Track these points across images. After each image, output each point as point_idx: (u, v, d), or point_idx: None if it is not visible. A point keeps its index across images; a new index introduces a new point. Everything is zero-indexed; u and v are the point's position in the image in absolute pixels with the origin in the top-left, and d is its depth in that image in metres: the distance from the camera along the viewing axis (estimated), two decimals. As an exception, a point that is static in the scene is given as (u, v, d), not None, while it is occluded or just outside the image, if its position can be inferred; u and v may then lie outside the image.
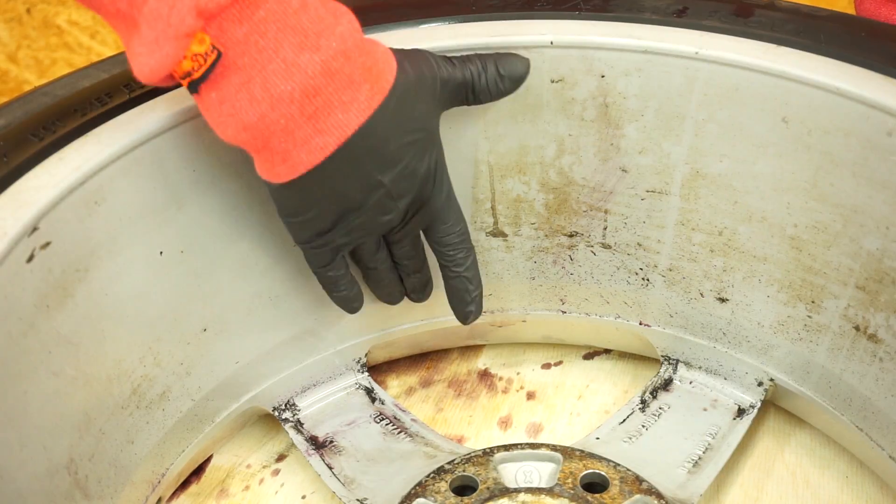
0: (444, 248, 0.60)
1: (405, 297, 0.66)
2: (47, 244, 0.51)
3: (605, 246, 0.68)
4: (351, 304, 0.63)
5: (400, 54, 0.53)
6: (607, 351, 0.76)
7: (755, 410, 0.66)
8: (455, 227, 0.60)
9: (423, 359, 0.76)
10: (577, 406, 0.72)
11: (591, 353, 0.76)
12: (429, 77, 0.54)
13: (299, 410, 0.69)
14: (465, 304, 0.63)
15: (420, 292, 0.65)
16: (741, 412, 0.67)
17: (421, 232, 0.60)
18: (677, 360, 0.70)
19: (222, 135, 0.49)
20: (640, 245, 0.67)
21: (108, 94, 0.57)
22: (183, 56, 0.44)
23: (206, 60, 0.45)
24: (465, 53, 0.58)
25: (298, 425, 0.68)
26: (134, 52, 0.45)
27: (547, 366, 0.75)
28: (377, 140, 0.51)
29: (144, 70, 0.45)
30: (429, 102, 0.54)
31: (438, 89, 0.55)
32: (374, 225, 0.56)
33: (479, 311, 0.63)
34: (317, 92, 0.47)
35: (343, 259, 0.59)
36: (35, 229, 0.50)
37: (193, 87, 0.47)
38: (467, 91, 0.57)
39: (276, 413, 0.68)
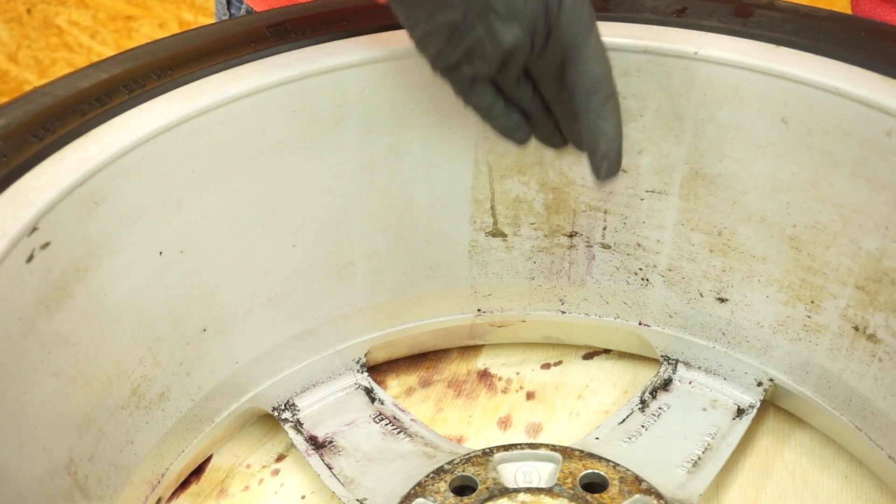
0: (577, 90, 0.54)
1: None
2: (47, 244, 0.51)
3: (605, 246, 0.68)
4: (512, 134, 0.58)
5: None
6: (607, 351, 0.76)
7: (755, 410, 0.66)
8: (587, 64, 0.53)
9: (422, 359, 0.76)
10: (577, 406, 0.72)
11: (591, 353, 0.76)
12: None
13: (299, 410, 0.69)
14: (596, 157, 0.55)
15: (581, 144, 0.58)
16: (741, 412, 0.67)
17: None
18: (677, 360, 0.70)
19: None
20: (639, 245, 0.67)
21: (108, 94, 0.57)
22: None
23: None
24: None
25: (298, 425, 0.68)
26: None
27: (546, 366, 0.75)
28: None
29: None
30: None
31: None
32: (493, 48, 0.51)
33: (613, 168, 0.55)
34: None
35: (486, 87, 0.55)
36: (35, 229, 0.50)
37: None
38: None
39: (276, 413, 0.68)
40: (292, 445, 0.67)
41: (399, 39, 0.59)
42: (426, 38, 0.53)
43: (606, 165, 0.55)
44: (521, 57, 0.53)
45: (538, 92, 0.56)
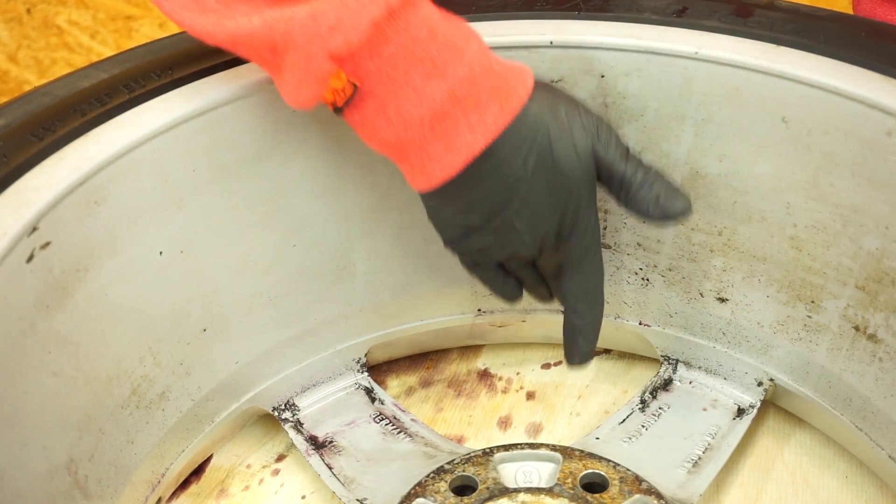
0: (567, 295, 0.59)
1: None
2: (47, 244, 0.51)
3: (605, 246, 0.68)
4: (507, 299, 0.63)
5: (563, 107, 0.53)
6: (607, 351, 0.76)
7: (755, 410, 0.66)
8: (585, 281, 0.58)
9: (422, 359, 0.76)
10: (577, 406, 0.72)
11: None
12: (580, 128, 0.53)
13: (299, 410, 0.69)
14: (571, 351, 0.61)
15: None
16: (741, 412, 0.67)
17: None
18: (677, 360, 0.70)
19: (371, 146, 0.53)
20: (639, 245, 0.67)
21: (108, 94, 0.57)
22: (324, 91, 0.50)
23: (345, 93, 0.50)
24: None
25: (298, 425, 0.68)
26: (282, 88, 0.51)
27: (547, 366, 0.75)
28: (501, 162, 0.52)
29: (293, 104, 0.51)
30: (573, 151, 0.53)
31: (590, 148, 0.54)
32: (500, 250, 0.57)
33: (584, 360, 0.61)
34: (445, 115, 0.50)
35: (490, 266, 0.60)
36: (35, 229, 0.50)
37: (338, 112, 0.51)
38: (619, 186, 0.55)
39: (276, 413, 0.68)
40: (292, 445, 0.67)
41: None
42: (444, 229, 0.57)
43: (580, 356, 0.61)
44: (527, 259, 0.58)
45: (536, 268, 0.60)
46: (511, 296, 0.63)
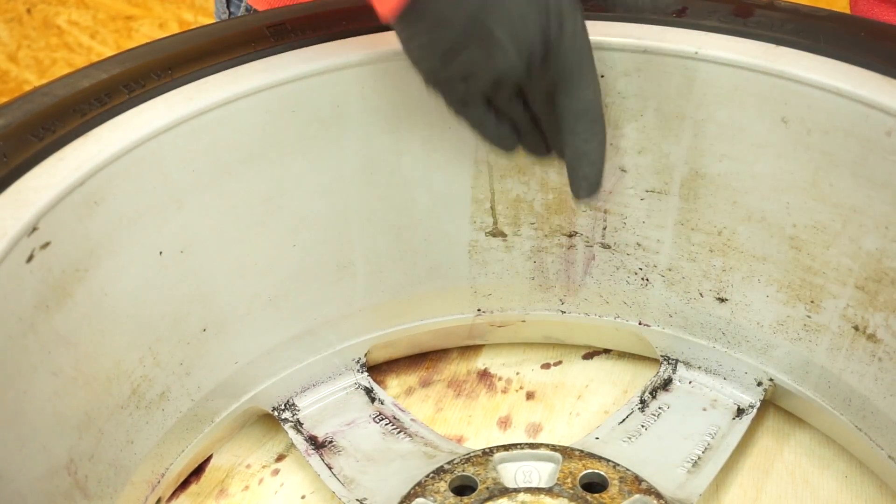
0: (566, 114, 0.55)
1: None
2: (47, 244, 0.51)
3: (605, 246, 0.68)
4: (500, 143, 0.59)
5: None
6: (607, 351, 0.76)
7: (754, 410, 0.66)
8: (582, 94, 0.54)
9: (422, 359, 0.76)
10: (577, 406, 0.72)
11: (591, 353, 0.76)
12: None
13: (299, 410, 0.69)
14: (577, 182, 0.57)
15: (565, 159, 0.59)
16: (740, 412, 0.67)
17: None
18: (677, 360, 0.70)
19: None
20: (639, 245, 0.67)
21: (108, 94, 0.57)
22: None
23: None
24: None
25: (298, 425, 0.68)
26: None
27: (546, 366, 0.75)
28: None
29: None
30: None
31: None
32: (488, 69, 0.52)
33: (593, 189, 0.57)
34: None
35: (478, 102, 0.56)
36: (35, 229, 0.50)
37: None
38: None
39: (276, 413, 0.68)
40: (292, 445, 0.67)
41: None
42: (422, 55, 0.53)
43: (586, 186, 0.57)
44: (515, 79, 0.53)
45: (528, 106, 0.57)
46: (506, 141, 0.59)
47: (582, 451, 0.62)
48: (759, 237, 0.63)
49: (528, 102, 0.57)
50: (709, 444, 0.65)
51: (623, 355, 0.75)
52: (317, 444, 0.66)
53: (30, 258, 0.50)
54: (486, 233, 0.69)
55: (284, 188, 0.62)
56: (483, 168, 0.66)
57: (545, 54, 0.52)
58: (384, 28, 0.62)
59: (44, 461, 0.51)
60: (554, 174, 0.66)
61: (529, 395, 0.72)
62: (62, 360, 0.53)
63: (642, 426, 0.66)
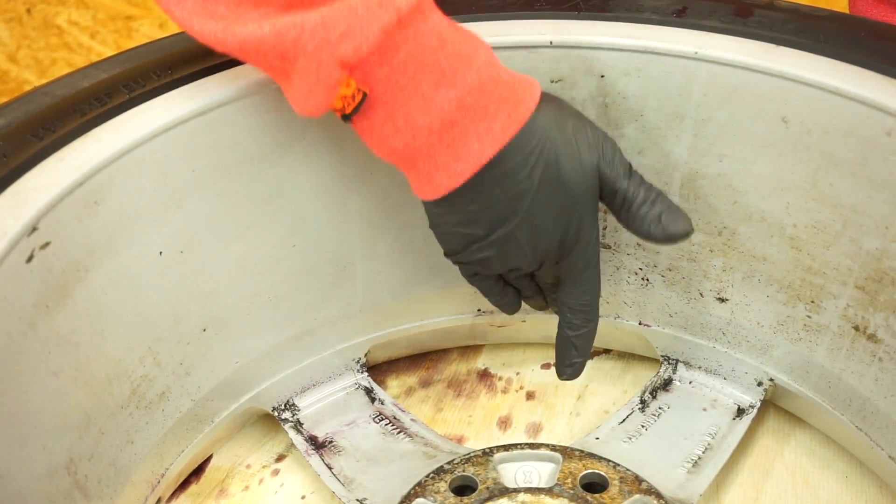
0: (563, 308, 0.60)
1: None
2: (47, 244, 0.51)
3: (605, 246, 0.68)
4: (506, 309, 0.64)
5: (566, 119, 0.54)
6: (607, 351, 0.76)
7: (755, 410, 0.66)
8: (583, 296, 0.59)
9: (422, 359, 0.76)
10: (577, 406, 0.72)
11: (591, 353, 0.76)
12: (586, 144, 0.54)
13: (299, 410, 0.69)
14: (563, 364, 0.62)
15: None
16: (741, 412, 0.67)
17: None
18: (677, 360, 0.70)
19: (377, 154, 0.53)
20: (639, 245, 0.67)
21: (108, 94, 0.57)
22: (333, 98, 0.49)
23: (354, 100, 0.49)
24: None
25: (298, 425, 0.68)
26: (291, 96, 0.50)
27: (547, 366, 0.75)
28: (507, 172, 0.52)
29: (301, 111, 0.51)
30: (579, 166, 0.53)
31: (595, 164, 0.54)
32: (501, 262, 0.57)
33: (573, 375, 0.62)
34: (453, 124, 0.50)
35: (491, 278, 0.61)
36: (35, 229, 0.50)
37: (346, 119, 0.51)
38: (621, 203, 0.56)
39: (276, 413, 0.68)
40: (292, 445, 0.67)
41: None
42: (446, 239, 0.58)
43: (570, 372, 0.62)
44: (527, 272, 0.59)
45: (533, 279, 0.62)
46: (510, 306, 0.64)
47: (582, 451, 0.62)
48: (759, 237, 0.63)
49: (535, 279, 0.62)
50: (709, 444, 0.65)
51: (623, 355, 0.75)
52: (317, 445, 0.66)
53: (30, 258, 0.50)
54: (486, 233, 0.69)
55: (284, 188, 0.62)
56: (483, 168, 0.66)
57: (558, 258, 0.57)
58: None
59: (44, 461, 0.51)
60: (554, 174, 0.66)
61: (529, 395, 0.72)
62: (62, 360, 0.53)
63: (642, 426, 0.66)
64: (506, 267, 0.58)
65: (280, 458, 0.69)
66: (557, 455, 0.62)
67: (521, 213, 0.54)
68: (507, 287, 0.62)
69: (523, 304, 0.64)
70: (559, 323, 0.61)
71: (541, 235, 0.55)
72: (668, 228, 0.55)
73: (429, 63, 0.49)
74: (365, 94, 0.49)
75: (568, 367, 0.62)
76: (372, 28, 0.47)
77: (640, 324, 0.70)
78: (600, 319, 0.71)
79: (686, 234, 0.55)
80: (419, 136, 0.50)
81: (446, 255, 0.59)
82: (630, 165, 0.55)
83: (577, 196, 0.54)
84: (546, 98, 0.53)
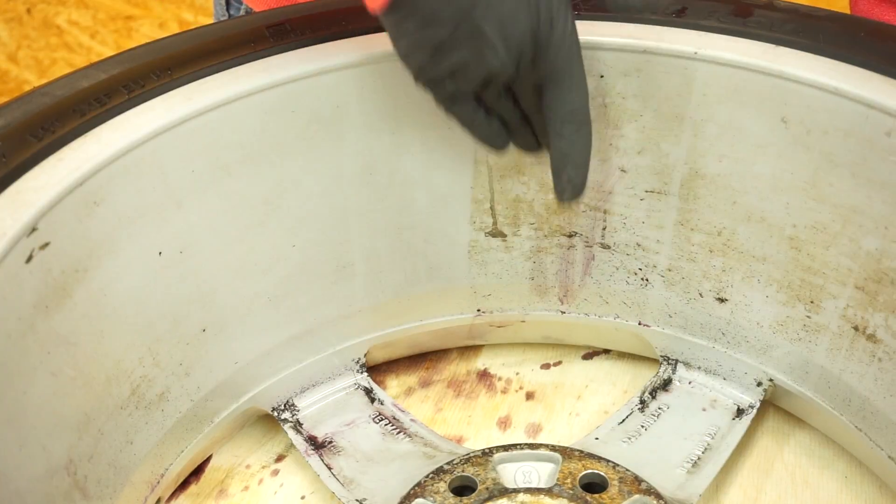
0: (552, 116, 0.55)
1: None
2: (46, 244, 0.51)
3: (605, 246, 0.68)
4: (491, 141, 0.59)
5: None
6: (606, 351, 0.76)
7: (754, 410, 0.66)
8: (569, 96, 0.54)
9: (422, 359, 0.76)
10: (577, 406, 0.72)
11: (591, 354, 0.76)
12: None
13: (298, 411, 0.69)
14: (561, 183, 0.57)
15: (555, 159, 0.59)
16: (740, 412, 0.67)
17: None
18: (676, 361, 0.70)
19: None
20: (639, 245, 0.67)
21: (108, 94, 0.57)
22: None
23: None
24: None
25: (297, 425, 0.68)
26: None
27: (546, 366, 0.75)
28: None
29: None
30: None
31: None
32: (478, 67, 0.52)
33: (576, 192, 0.57)
34: None
35: (468, 99, 0.56)
36: (34, 229, 0.50)
37: None
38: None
39: (276, 413, 0.68)
40: (292, 445, 0.67)
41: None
42: (411, 52, 0.53)
43: (570, 189, 0.57)
44: (505, 78, 0.53)
45: (518, 104, 0.57)
46: (497, 139, 0.59)
47: (582, 452, 0.62)
48: (758, 237, 0.63)
49: (518, 99, 0.57)
50: (709, 445, 0.65)
51: (623, 355, 0.75)
52: (316, 445, 0.66)
53: (29, 258, 0.50)
54: (485, 233, 0.69)
55: (284, 188, 0.62)
56: (483, 168, 0.66)
57: (535, 53, 0.52)
58: (383, 28, 0.62)
59: (43, 461, 0.51)
60: (554, 174, 0.66)
61: (529, 396, 0.72)
62: (62, 360, 0.53)
63: (642, 426, 0.66)
64: (480, 74, 0.53)
65: (280, 459, 0.69)
66: (557, 455, 0.62)
67: (483, 1, 0.49)
68: (491, 115, 0.57)
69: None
70: (550, 138, 0.56)
71: (509, 23, 0.51)
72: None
73: None
74: None
75: (567, 182, 0.57)
76: None
77: (639, 324, 0.70)
78: (599, 320, 0.71)
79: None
80: None
81: (416, 78, 0.55)
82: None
83: None
84: None
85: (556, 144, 0.56)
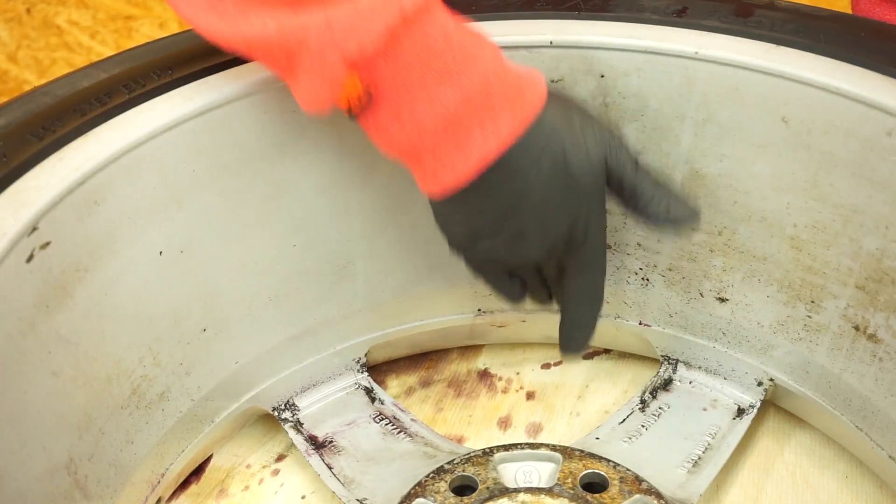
0: (570, 291, 0.60)
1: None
2: (47, 244, 0.51)
3: (605, 246, 0.68)
4: (510, 300, 0.63)
5: (579, 122, 0.54)
6: (607, 351, 0.76)
7: (755, 410, 0.66)
8: (588, 284, 0.59)
9: (422, 359, 0.76)
10: (577, 406, 0.72)
11: (591, 353, 0.76)
12: (593, 139, 0.54)
13: (299, 410, 0.69)
14: (567, 340, 0.62)
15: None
16: (741, 412, 0.67)
17: None
18: (677, 360, 0.70)
19: (383, 151, 0.53)
20: (639, 245, 0.67)
21: (108, 94, 0.57)
22: (339, 96, 0.50)
23: (360, 99, 0.50)
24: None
25: (298, 425, 0.68)
26: (298, 94, 0.51)
27: (547, 366, 0.75)
28: (514, 170, 0.52)
29: (307, 109, 0.51)
30: (586, 161, 0.54)
31: (603, 158, 0.55)
32: (508, 257, 0.57)
33: (578, 350, 0.63)
34: (458, 123, 0.50)
35: (498, 271, 0.61)
36: (35, 229, 0.50)
37: (353, 117, 0.52)
38: (630, 196, 0.56)
39: (276, 413, 0.68)
40: (292, 445, 0.67)
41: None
42: (454, 231, 0.57)
43: (574, 347, 0.62)
44: (534, 265, 0.59)
45: (540, 272, 0.61)
46: (515, 298, 0.63)
47: (582, 451, 0.62)
48: (759, 237, 0.63)
49: (541, 270, 0.61)
50: (709, 444, 0.65)
51: (623, 355, 0.75)
52: (317, 444, 0.66)
53: (30, 258, 0.50)
54: (486, 233, 0.69)
55: (284, 188, 0.62)
56: (483, 168, 0.66)
57: (566, 252, 0.57)
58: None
59: (44, 461, 0.51)
60: (554, 174, 0.66)
61: (529, 395, 0.72)
62: (62, 360, 0.53)
63: (642, 426, 0.66)
64: (513, 261, 0.58)
65: (280, 458, 0.69)
66: (557, 455, 0.62)
67: (528, 209, 0.54)
68: (513, 278, 0.62)
69: (527, 298, 0.64)
70: (565, 306, 0.61)
71: (549, 229, 0.55)
72: (676, 217, 0.56)
73: (435, 62, 0.49)
74: (371, 93, 0.50)
75: (573, 342, 0.62)
76: (377, 27, 0.47)
77: (640, 324, 0.70)
78: (601, 319, 0.71)
79: (693, 220, 0.56)
80: (424, 133, 0.50)
81: (451, 249, 0.59)
82: (637, 158, 0.56)
83: (585, 190, 0.54)
84: (552, 94, 0.53)
85: (568, 314, 0.61)
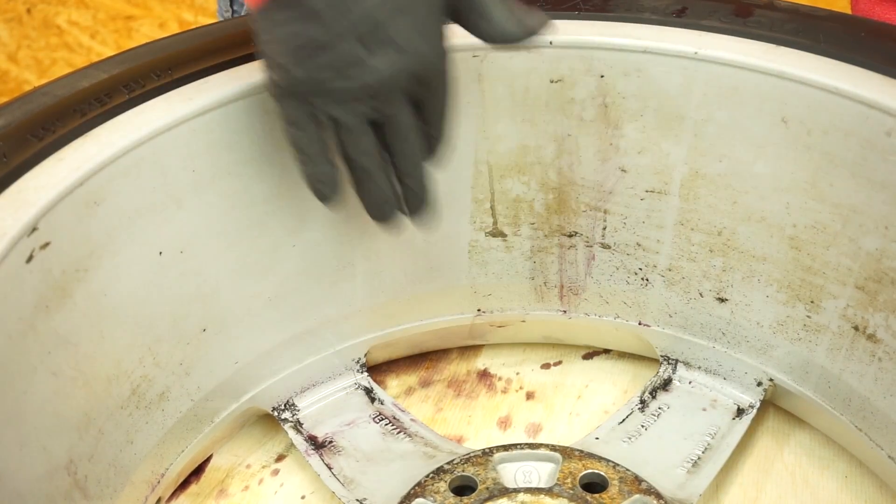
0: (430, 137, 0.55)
1: (400, 214, 0.58)
2: (47, 244, 0.51)
3: (605, 246, 0.68)
4: (321, 186, 0.55)
5: None
6: (607, 351, 0.76)
7: (754, 410, 0.66)
8: (435, 119, 0.53)
9: (422, 359, 0.76)
10: (577, 406, 0.72)
11: (591, 353, 0.76)
12: None
13: (299, 410, 0.69)
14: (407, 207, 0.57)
15: (414, 204, 0.57)
16: (740, 412, 0.67)
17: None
18: (676, 360, 0.70)
19: None
20: (639, 245, 0.67)
21: (108, 94, 0.57)
22: None
23: None
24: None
25: (298, 425, 0.68)
26: None
27: (546, 366, 0.75)
28: None
29: None
30: None
31: None
32: (346, 77, 0.49)
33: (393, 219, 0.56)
34: None
35: (317, 127, 0.52)
36: (34, 229, 0.50)
37: None
38: (469, 6, 0.50)
39: (276, 413, 0.68)
40: (292, 445, 0.67)
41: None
42: (277, 54, 0.50)
43: (390, 217, 0.56)
44: (384, 96, 0.50)
45: (377, 149, 0.54)
46: (326, 184, 0.55)
47: (582, 452, 0.62)
48: (759, 237, 0.63)
49: (383, 141, 0.54)
50: (709, 444, 0.65)
51: (623, 355, 0.75)
52: (317, 445, 0.66)
53: (30, 258, 0.50)
54: (485, 233, 0.69)
55: (284, 188, 0.62)
56: (483, 168, 0.66)
57: (425, 78, 0.50)
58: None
59: (44, 461, 0.51)
60: (554, 174, 0.66)
61: (529, 395, 0.72)
62: (62, 360, 0.53)
63: (642, 426, 0.66)
64: (350, 83, 0.49)
65: (280, 458, 0.69)
66: (557, 455, 0.62)
67: (370, 5, 0.47)
68: (327, 155, 0.54)
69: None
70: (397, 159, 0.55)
71: (422, 35, 0.49)
72: (525, 22, 0.51)
73: None
74: None
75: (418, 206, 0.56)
76: None
77: (639, 324, 0.70)
78: (600, 320, 0.71)
79: (542, 26, 0.51)
80: None
81: (277, 84, 0.51)
82: None
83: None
84: None
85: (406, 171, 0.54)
